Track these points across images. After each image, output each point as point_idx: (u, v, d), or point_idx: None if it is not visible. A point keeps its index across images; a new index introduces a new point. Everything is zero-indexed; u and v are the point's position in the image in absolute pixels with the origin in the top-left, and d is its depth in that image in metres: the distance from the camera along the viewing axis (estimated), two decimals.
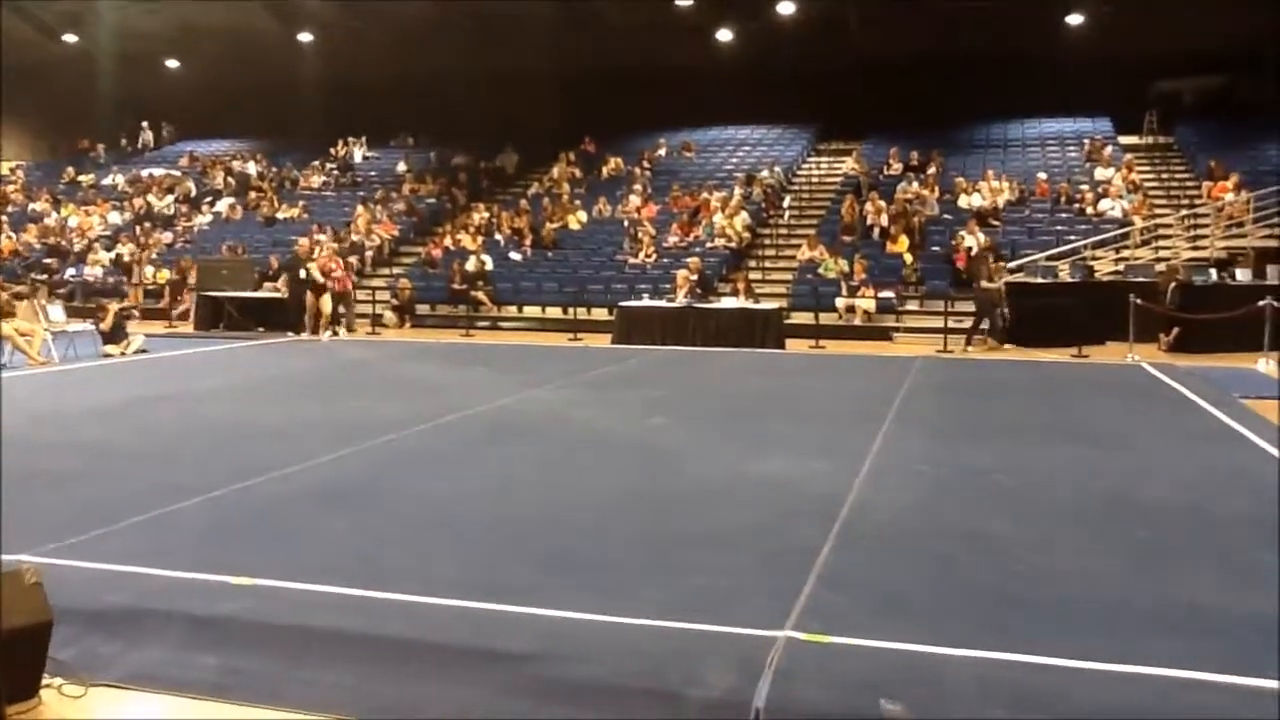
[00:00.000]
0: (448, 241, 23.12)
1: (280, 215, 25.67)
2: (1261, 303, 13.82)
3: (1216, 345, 14.78)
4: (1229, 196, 19.99)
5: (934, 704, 3.49)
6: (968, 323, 17.70)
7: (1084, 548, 5.40)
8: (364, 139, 29.66)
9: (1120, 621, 4.30)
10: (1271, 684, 3.61)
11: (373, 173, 28.64)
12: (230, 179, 28.40)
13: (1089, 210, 20.65)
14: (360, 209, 24.59)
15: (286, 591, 4.53)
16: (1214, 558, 5.26)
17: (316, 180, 28.10)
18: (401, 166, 28.18)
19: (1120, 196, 20.72)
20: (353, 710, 3.57)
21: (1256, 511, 6.17)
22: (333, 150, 29.48)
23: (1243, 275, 16.97)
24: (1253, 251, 18.82)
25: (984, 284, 16.17)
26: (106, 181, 29.93)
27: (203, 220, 26.42)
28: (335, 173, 28.41)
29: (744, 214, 22.21)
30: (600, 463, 7.55)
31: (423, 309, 20.92)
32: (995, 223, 20.45)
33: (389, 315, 20.33)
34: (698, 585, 4.67)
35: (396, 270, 22.72)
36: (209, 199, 27.58)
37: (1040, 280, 17.27)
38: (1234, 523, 5.94)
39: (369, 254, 23.16)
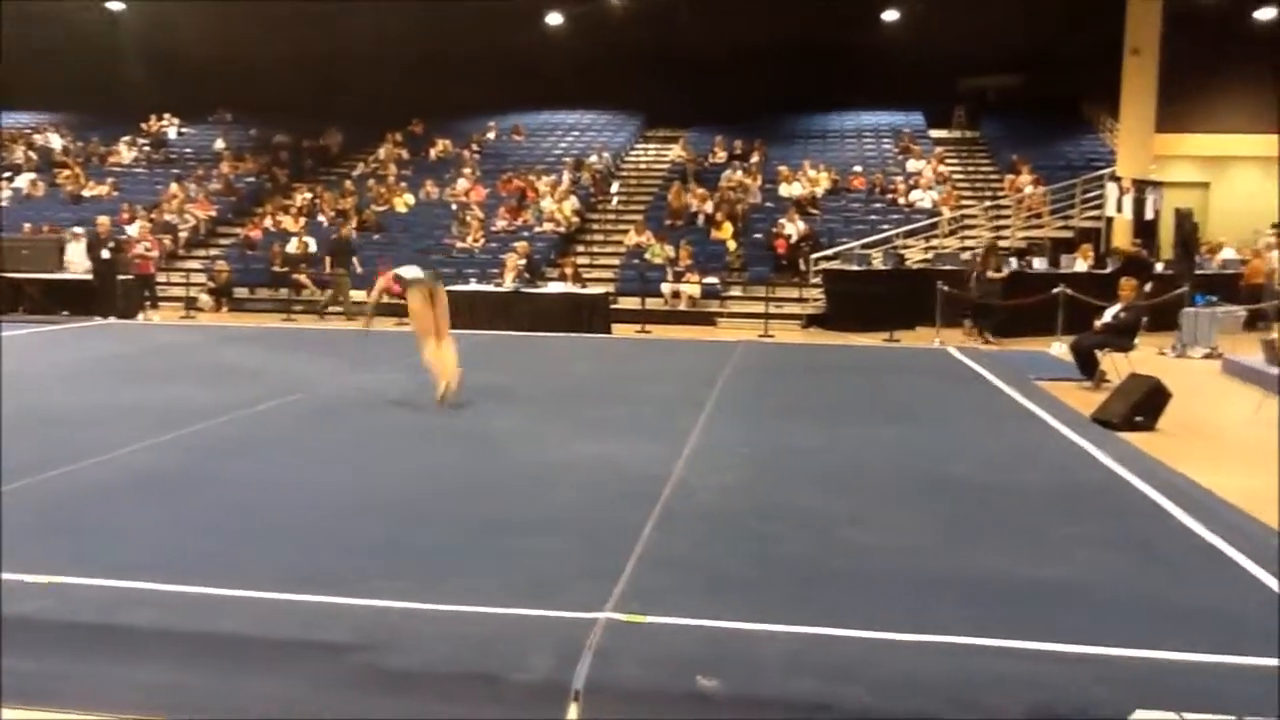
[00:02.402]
0: (268, 222, 22.44)
1: (87, 193, 24.36)
2: (1055, 290, 14.76)
3: (1015, 330, 15.71)
4: (1027, 189, 21.20)
5: (748, 678, 3.61)
6: (788, 308, 18.28)
7: (894, 523, 5.68)
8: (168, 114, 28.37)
9: (926, 593, 4.54)
10: (1059, 647, 3.88)
11: (188, 149, 27.49)
12: (31, 153, 26.77)
13: (901, 200, 21.58)
14: (174, 187, 23.59)
15: (90, 589, 4.35)
16: (1011, 530, 5.60)
17: (127, 156, 26.79)
18: (219, 144, 27.14)
19: (930, 188, 21.72)
20: (160, 710, 3.48)
21: (1048, 485, 6.63)
22: (145, 125, 28.12)
23: (1040, 264, 18.04)
24: (1049, 242, 20.04)
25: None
26: None
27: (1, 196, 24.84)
28: (147, 148, 27.13)
29: (572, 199, 22.32)
30: (423, 448, 7.50)
31: (241, 292, 20.27)
32: (814, 211, 21.14)
33: (204, 298, 19.61)
34: (520, 570, 4.71)
35: (213, 252, 21.92)
36: (8, 174, 25.92)
37: (855, 268, 17.97)
38: (1028, 496, 6.35)
39: (183, 234, 22.27)
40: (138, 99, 27.83)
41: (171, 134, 28.10)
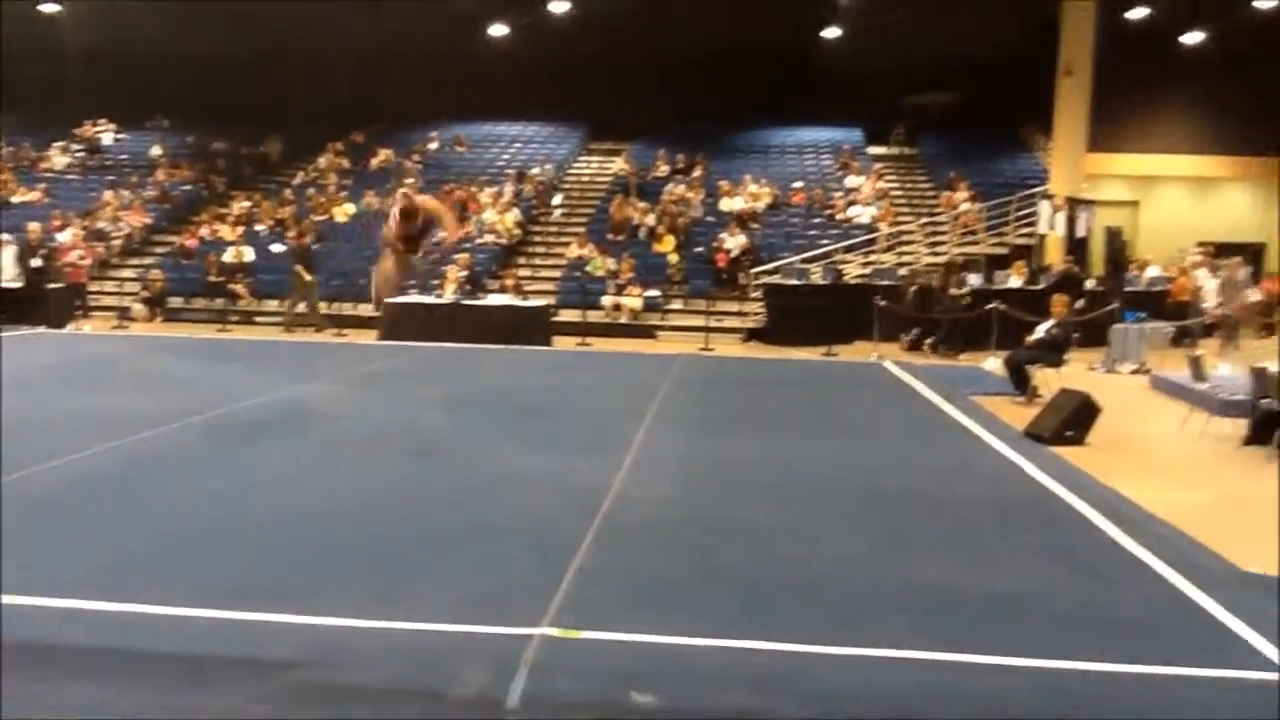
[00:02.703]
0: (204, 231, 22.11)
1: (17, 199, 23.82)
2: (990, 306, 15.01)
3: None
4: (964, 206, 21.55)
5: (682, 693, 3.65)
6: (729, 322, 18.37)
7: (830, 535, 5.77)
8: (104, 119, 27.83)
9: (860, 605, 4.62)
10: (990, 659, 3.97)
11: (123, 155, 26.95)
12: None
13: (840, 216, 21.82)
14: (108, 194, 23.18)
15: (26, 608, 4.26)
16: (944, 543, 5.71)
17: (60, 161, 26.25)
18: (156, 150, 26.69)
19: (868, 204, 21.98)
20: None
21: (981, 498, 6.76)
22: (79, 130, 27.57)
23: (975, 280, 18.32)
24: (984, 258, 20.37)
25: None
26: None
27: None
28: (81, 154, 26.62)
29: (515, 210, 22.28)
30: (363, 461, 7.45)
31: (176, 302, 19.95)
32: (754, 225, 21.30)
33: (138, 308, 19.28)
34: (459, 584, 4.72)
35: (147, 260, 21.53)
36: None
37: (794, 282, 18.14)
38: (961, 510, 6.47)
39: (117, 242, 21.88)
40: (72, 104, 27.29)
41: (107, 140, 27.57)
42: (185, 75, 26.17)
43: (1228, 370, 12.09)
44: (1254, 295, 18.23)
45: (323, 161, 25.61)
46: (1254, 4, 21.27)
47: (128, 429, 8.03)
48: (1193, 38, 22.91)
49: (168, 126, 28.21)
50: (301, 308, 18.24)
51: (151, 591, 4.46)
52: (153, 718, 3.50)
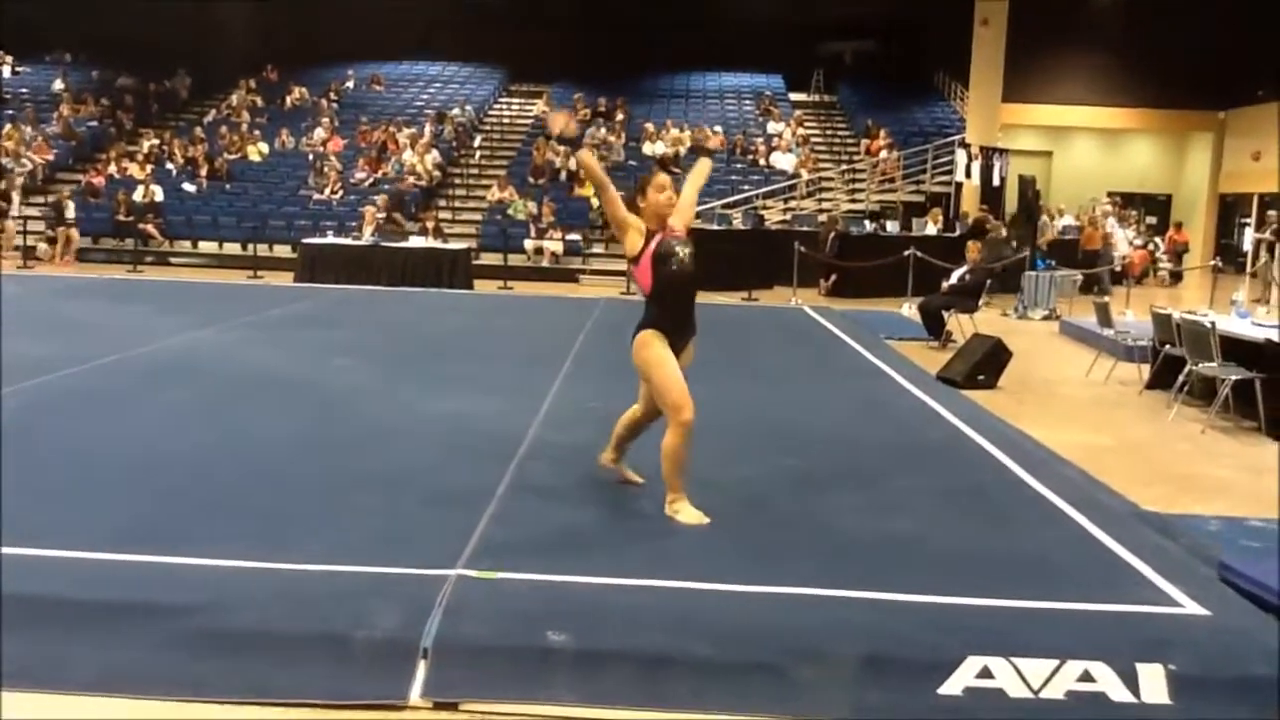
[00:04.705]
0: (112, 169, 21.42)
1: None
2: (907, 252, 15.22)
3: (868, 290, 16.16)
4: (883, 154, 21.74)
5: (597, 632, 3.65)
6: None
7: (745, 478, 5.80)
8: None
9: (770, 546, 4.66)
10: (897, 596, 4.04)
11: (23, 90, 25.88)
12: None
13: (761, 162, 21.86)
14: (9, 129, 22.29)
15: None
16: (855, 484, 5.79)
17: None
18: (58, 85, 25.69)
19: (789, 150, 22.05)
20: None
21: (893, 440, 6.88)
22: None
23: (892, 227, 18.55)
24: (901, 205, 20.61)
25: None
26: None
27: None
28: None
29: (434, 152, 21.94)
30: (272, 406, 7.29)
31: (84, 242, 19.36)
32: (676, 170, 21.22)
33: (44, 248, 18.68)
34: (371, 528, 4.65)
35: (52, 198, 20.81)
36: None
37: (715, 227, 18.17)
38: (873, 451, 6.57)
39: (19, 179, 21.09)
40: None
41: (5, 73, 26.48)
42: (88, 7, 25.16)
43: (1133, 317, 12.43)
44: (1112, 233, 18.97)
45: (234, 99, 24.90)
46: None
47: (21, 374, 7.76)
48: None
49: (69, 62, 27.14)
50: None
51: (33, 534, 4.30)
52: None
